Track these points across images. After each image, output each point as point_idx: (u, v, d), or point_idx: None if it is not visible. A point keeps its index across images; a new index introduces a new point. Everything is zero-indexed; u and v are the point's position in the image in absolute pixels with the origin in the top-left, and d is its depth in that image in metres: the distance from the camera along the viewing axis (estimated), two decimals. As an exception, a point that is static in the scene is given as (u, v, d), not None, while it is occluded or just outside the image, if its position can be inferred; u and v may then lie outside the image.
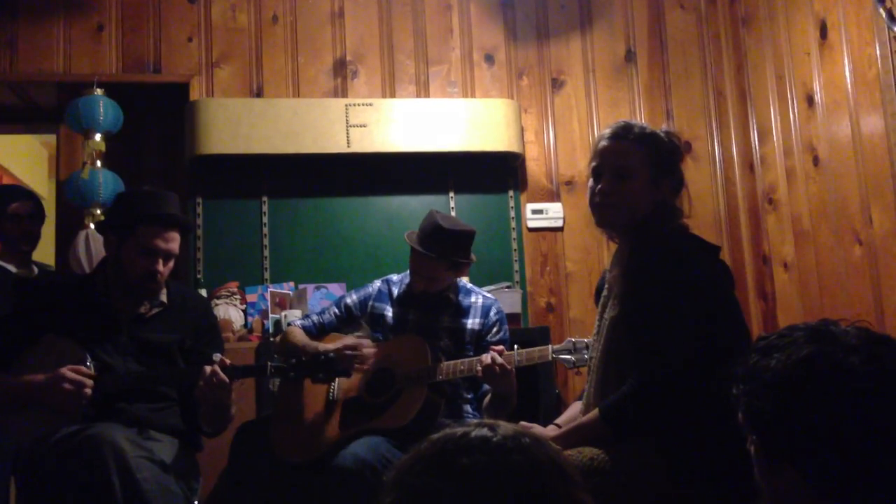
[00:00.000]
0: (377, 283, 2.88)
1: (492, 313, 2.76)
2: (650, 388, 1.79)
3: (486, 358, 2.40)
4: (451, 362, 2.53)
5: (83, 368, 2.28)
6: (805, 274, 3.40)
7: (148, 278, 2.41)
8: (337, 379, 2.62)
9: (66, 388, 2.23)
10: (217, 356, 2.33)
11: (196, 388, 2.32)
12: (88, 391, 2.25)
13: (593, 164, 2.03)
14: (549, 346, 2.43)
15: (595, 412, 1.86)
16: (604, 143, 2.01)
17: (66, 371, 2.25)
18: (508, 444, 0.96)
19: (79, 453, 2.08)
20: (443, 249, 2.62)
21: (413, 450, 1.00)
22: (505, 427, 0.99)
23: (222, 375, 2.28)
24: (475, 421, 1.01)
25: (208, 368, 2.29)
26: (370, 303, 2.83)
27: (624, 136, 1.98)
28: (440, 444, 0.97)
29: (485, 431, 0.97)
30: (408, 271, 2.82)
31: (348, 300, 2.86)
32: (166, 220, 2.42)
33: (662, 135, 2.01)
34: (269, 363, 2.43)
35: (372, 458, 2.24)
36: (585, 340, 2.34)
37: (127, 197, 2.65)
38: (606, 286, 2.05)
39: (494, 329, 2.75)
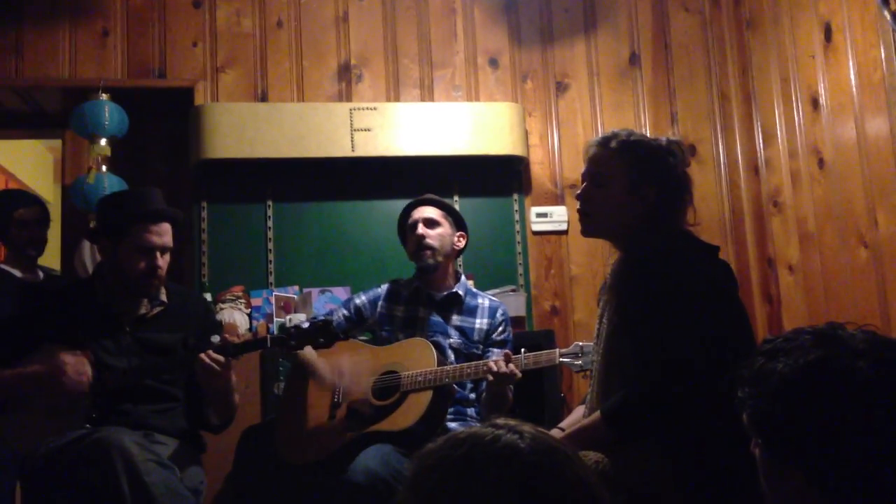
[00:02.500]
0: (385, 285, 2.92)
1: (498, 314, 2.84)
2: (650, 390, 1.79)
3: (496, 364, 2.41)
4: (458, 365, 2.54)
5: (81, 354, 2.30)
6: (810, 277, 3.39)
7: (149, 275, 2.44)
8: (342, 382, 2.63)
9: (68, 371, 2.26)
10: (216, 337, 2.35)
11: (197, 375, 2.34)
12: (89, 372, 2.28)
13: (583, 170, 2.09)
14: (556, 350, 2.46)
15: (597, 414, 1.86)
16: (590, 149, 2.06)
17: (67, 356, 2.28)
18: (539, 459, 0.94)
19: (87, 458, 2.09)
20: (435, 197, 2.90)
21: (438, 446, 0.97)
22: (535, 437, 0.96)
23: (216, 357, 2.29)
24: (503, 422, 0.99)
25: (203, 356, 2.30)
26: (380, 303, 2.86)
27: (606, 143, 2.02)
28: (468, 448, 0.95)
29: (515, 440, 0.95)
30: (412, 276, 2.86)
31: (357, 301, 2.89)
32: (156, 215, 2.46)
33: (655, 143, 2.00)
34: (269, 335, 2.44)
35: (384, 471, 2.23)
36: (592, 344, 2.34)
37: (111, 200, 2.64)
38: (601, 297, 2.05)
39: (500, 328, 2.82)
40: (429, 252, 2.77)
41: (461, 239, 2.88)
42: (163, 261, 2.46)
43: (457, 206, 3.79)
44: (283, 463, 2.59)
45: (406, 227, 2.87)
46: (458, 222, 2.88)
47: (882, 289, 2.92)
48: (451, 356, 2.69)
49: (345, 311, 2.86)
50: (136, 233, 2.42)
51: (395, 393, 2.52)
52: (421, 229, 2.79)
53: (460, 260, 3.75)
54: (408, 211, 2.89)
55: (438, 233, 2.80)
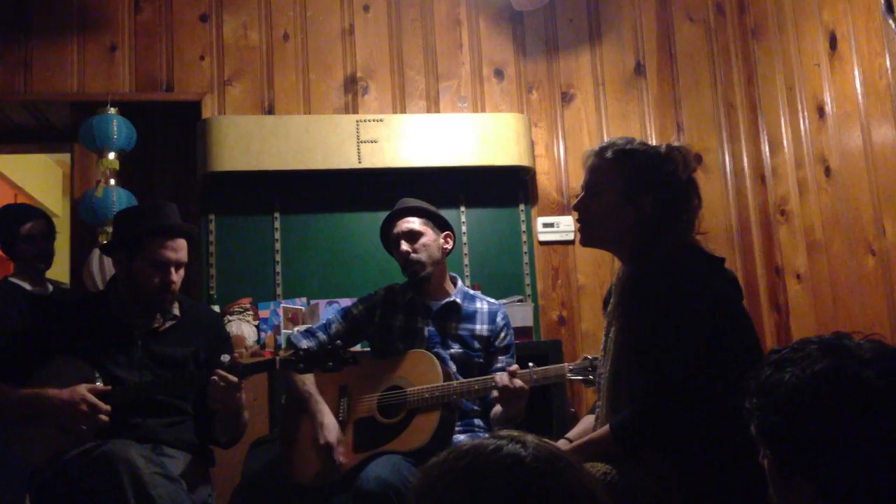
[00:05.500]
0: (381, 292, 2.86)
1: (498, 318, 2.78)
2: (659, 406, 1.79)
3: (503, 379, 2.36)
4: (464, 381, 2.48)
5: (100, 386, 2.30)
6: (818, 285, 3.38)
7: (163, 290, 2.44)
8: (345, 399, 2.61)
9: (83, 409, 2.25)
10: (226, 357, 2.35)
11: (208, 395, 2.33)
12: (105, 418, 2.27)
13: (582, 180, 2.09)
14: (566, 365, 2.41)
15: (606, 429, 1.86)
16: (588, 159, 2.05)
17: (86, 392, 2.26)
18: (541, 467, 0.94)
19: (93, 470, 2.09)
20: (411, 205, 2.81)
21: (443, 458, 0.98)
22: (538, 447, 0.97)
23: (230, 378, 2.29)
24: (506, 433, 0.99)
25: (217, 374, 2.29)
26: (377, 311, 2.79)
27: (602, 153, 2.01)
28: (471, 459, 0.96)
29: (517, 449, 0.96)
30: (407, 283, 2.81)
31: (354, 311, 2.83)
32: (171, 230, 2.46)
33: (652, 150, 1.98)
34: (277, 356, 2.44)
35: (395, 479, 2.21)
36: (600, 357, 2.32)
37: (127, 214, 2.65)
38: (608, 309, 2.04)
39: (502, 334, 2.76)
40: (418, 267, 2.72)
41: (448, 239, 2.81)
42: (177, 276, 2.46)
43: (463, 217, 3.82)
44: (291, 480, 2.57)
45: (389, 241, 2.82)
46: (440, 223, 2.80)
47: (890, 297, 2.91)
48: (453, 367, 2.63)
49: (342, 322, 2.80)
50: (151, 247, 2.42)
51: (401, 410, 2.48)
52: (404, 246, 2.73)
53: (468, 271, 3.76)
54: (387, 224, 2.82)
55: (423, 243, 2.73)
